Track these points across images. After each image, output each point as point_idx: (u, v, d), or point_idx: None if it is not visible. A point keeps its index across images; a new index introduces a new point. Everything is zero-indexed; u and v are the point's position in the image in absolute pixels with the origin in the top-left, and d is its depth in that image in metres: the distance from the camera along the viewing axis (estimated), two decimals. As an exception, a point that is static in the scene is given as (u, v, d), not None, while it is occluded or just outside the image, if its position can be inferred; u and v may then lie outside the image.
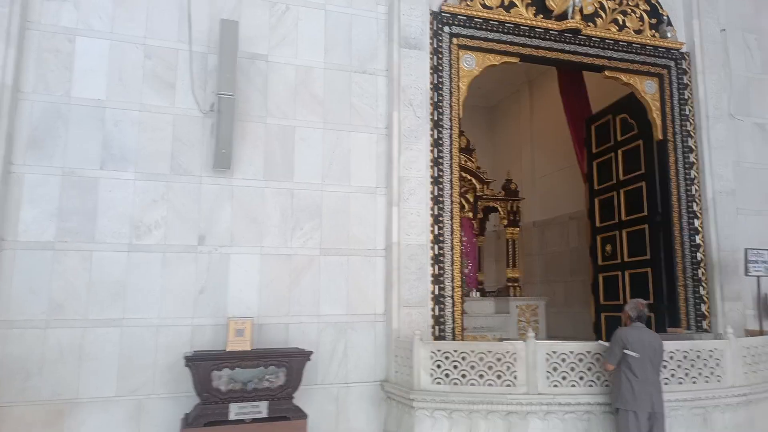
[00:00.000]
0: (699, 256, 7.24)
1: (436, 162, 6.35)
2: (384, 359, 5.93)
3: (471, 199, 10.94)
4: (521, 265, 12.78)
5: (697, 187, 7.38)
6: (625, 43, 7.37)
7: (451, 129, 6.49)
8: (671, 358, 5.17)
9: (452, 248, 6.31)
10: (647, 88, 7.54)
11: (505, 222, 11.24)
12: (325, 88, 6.12)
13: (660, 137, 7.51)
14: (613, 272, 8.42)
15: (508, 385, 5.05)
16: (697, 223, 7.32)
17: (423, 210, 6.09)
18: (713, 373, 5.25)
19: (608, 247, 8.57)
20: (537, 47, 7.00)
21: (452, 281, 6.26)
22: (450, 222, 6.35)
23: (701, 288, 7.18)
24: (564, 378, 5.05)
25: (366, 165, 6.17)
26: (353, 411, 5.78)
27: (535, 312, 10.36)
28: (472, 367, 5.12)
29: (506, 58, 6.92)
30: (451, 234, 6.33)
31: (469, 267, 11.87)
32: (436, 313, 6.11)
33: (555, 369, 5.06)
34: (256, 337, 5.49)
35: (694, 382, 5.17)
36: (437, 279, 6.17)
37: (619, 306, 8.13)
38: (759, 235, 7.59)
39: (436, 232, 6.23)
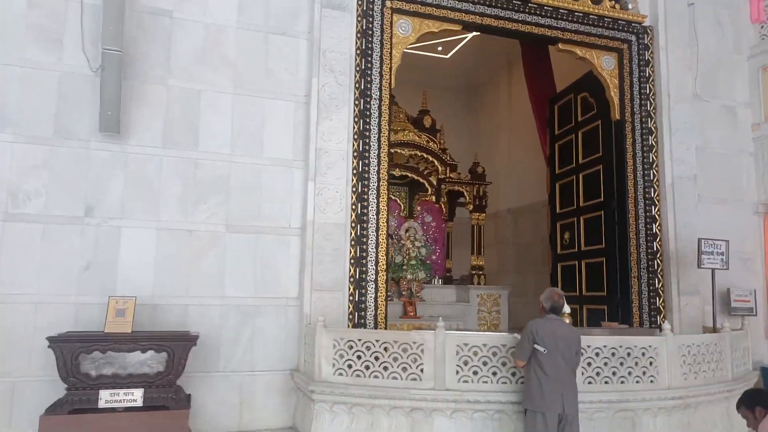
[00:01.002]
0: (655, 245, 6.70)
1: (362, 134, 5.81)
2: (296, 347, 5.44)
3: (434, 182, 10.41)
4: (493, 253, 12.29)
5: (655, 172, 6.83)
6: (581, 14, 6.79)
7: (380, 99, 5.96)
8: (597, 354, 4.65)
9: (377, 229, 5.79)
10: (605, 64, 6.97)
11: (471, 207, 10.71)
12: (237, 49, 5.59)
13: (617, 117, 6.95)
14: (570, 261, 7.89)
15: (414, 379, 4.54)
16: (654, 210, 6.77)
17: (342, 186, 5.56)
18: (645, 372, 4.73)
19: (567, 235, 8.03)
20: (482, 14, 6.43)
21: (376, 264, 5.75)
22: (376, 200, 5.82)
23: (657, 280, 6.65)
24: (475, 373, 4.54)
25: (282, 135, 5.64)
26: (259, 401, 5.30)
27: (497, 302, 9.86)
28: (377, 358, 4.62)
29: (446, 25, 6.36)
30: (377, 213, 5.81)
31: (437, 253, 11.42)
32: (356, 298, 5.60)
33: (466, 363, 4.55)
34: (150, 319, 5.02)
35: (622, 382, 4.65)
36: (358, 261, 5.65)
37: (576, 298, 7.64)
38: (721, 224, 7.04)
39: (358, 210, 5.71)
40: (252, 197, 5.48)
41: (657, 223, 6.74)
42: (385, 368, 4.59)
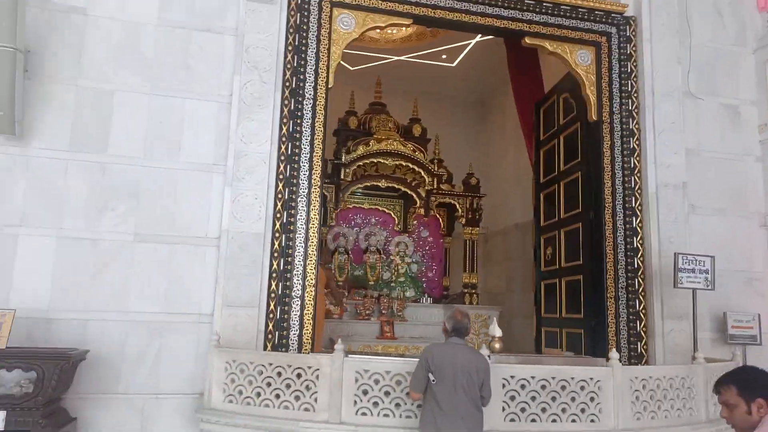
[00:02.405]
0: (636, 262, 5.88)
1: (291, 137, 5.34)
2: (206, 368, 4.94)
3: (423, 195, 9.81)
4: (501, 271, 11.49)
5: (637, 179, 6.03)
6: (551, 4, 6.13)
7: (315, 99, 5.47)
8: (523, 387, 3.94)
9: (306, 239, 5.27)
10: (580, 59, 6.26)
11: (463, 221, 10.04)
12: (156, 47, 5.24)
13: (594, 118, 6.21)
14: (552, 280, 7.11)
15: (307, 410, 3.97)
16: (635, 222, 5.96)
17: (262, 192, 5.08)
18: (584, 410, 3.98)
19: (549, 251, 7.26)
20: (434, 6, 5.87)
21: (303, 279, 5.22)
22: (306, 209, 5.31)
23: (638, 302, 5.81)
24: (375, 405, 3.92)
25: (203, 138, 5.23)
26: (163, 427, 4.81)
27: (485, 323, 9.08)
28: (269, 384, 4.07)
29: (394, 19, 5.84)
30: (307, 222, 5.30)
31: (434, 270, 10.76)
32: (277, 316, 5.07)
33: (365, 392, 3.94)
34: (45, 334, 4.65)
35: (553, 421, 3.91)
36: (282, 276, 5.14)
37: (556, 321, 6.87)
38: (719, 239, 6.14)
39: (284, 219, 5.22)
40: (166, 205, 5.08)
41: (638, 237, 5.92)
42: (277, 396, 4.03)
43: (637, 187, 6.01)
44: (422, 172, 9.49)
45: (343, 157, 9.16)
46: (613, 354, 4.10)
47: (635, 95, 6.17)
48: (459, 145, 11.62)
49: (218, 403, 4.16)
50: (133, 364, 4.83)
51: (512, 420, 3.86)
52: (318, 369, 3.99)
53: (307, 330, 5.16)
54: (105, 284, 4.86)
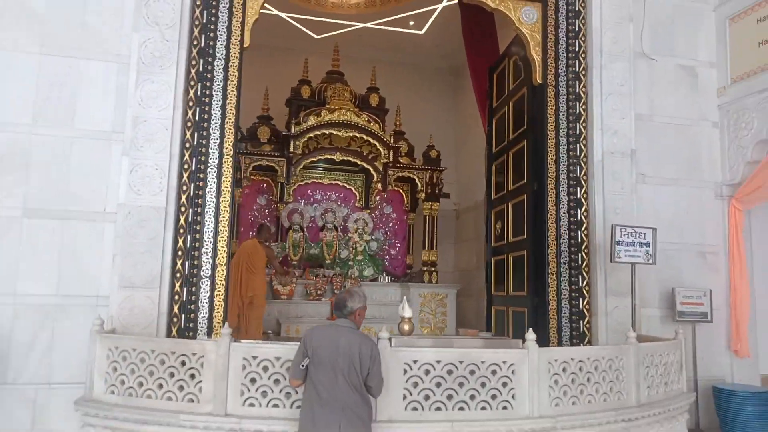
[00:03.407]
0: (580, 235, 5.50)
1: (199, 101, 4.89)
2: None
3: (380, 168, 9.36)
4: (470, 249, 11.11)
5: (582, 146, 5.62)
6: (492, -45, 5.64)
7: (227, 60, 5.01)
8: (427, 373, 3.56)
9: (217, 215, 4.86)
10: (524, 17, 5.78)
11: (422, 196, 9.62)
12: (48, 1, 4.74)
13: (538, 81, 5.76)
14: (501, 256, 6.73)
15: (191, 401, 3.59)
16: (580, 192, 5.57)
17: (163, 162, 4.64)
18: (496, 397, 3.62)
19: (498, 225, 6.87)
20: (362, -42, 5.38)
21: (214, 257, 4.81)
22: (217, 180, 4.89)
23: (581, 278, 5.45)
24: (264, 395, 3.55)
25: (100, 102, 4.76)
26: (57, 419, 4.43)
27: (443, 302, 8.76)
28: (151, 374, 3.68)
29: (317, -28, 5.34)
30: (218, 196, 4.87)
31: (397, 248, 10.37)
32: (183, 297, 4.68)
33: (253, 381, 3.56)
34: None
35: (460, 409, 3.55)
36: (189, 253, 4.74)
37: (503, 299, 6.51)
38: (672, 210, 5.78)
39: (190, 192, 4.80)
40: (59, 177, 4.63)
41: (583, 208, 5.53)
42: (160, 386, 3.65)
43: (582, 155, 5.60)
44: (378, 144, 9.04)
45: (293, 129, 8.69)
46: (529, 335, 3.72)
47: (582, 56, 5.73)
48: (429, 117, 11.13)
49: (100, 395, 3.77)
50: (23, 351, 4.44)
51: (414, 409, 3.50)
52: (203, 356, 3.60)
53: (218, 312, 4.78)
54: (-10, 264, 4.44)
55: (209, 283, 4.77)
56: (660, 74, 5.98)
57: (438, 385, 3.54)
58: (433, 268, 9.43)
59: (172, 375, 3.63)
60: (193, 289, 4.72)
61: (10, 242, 4.50)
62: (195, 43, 4.91)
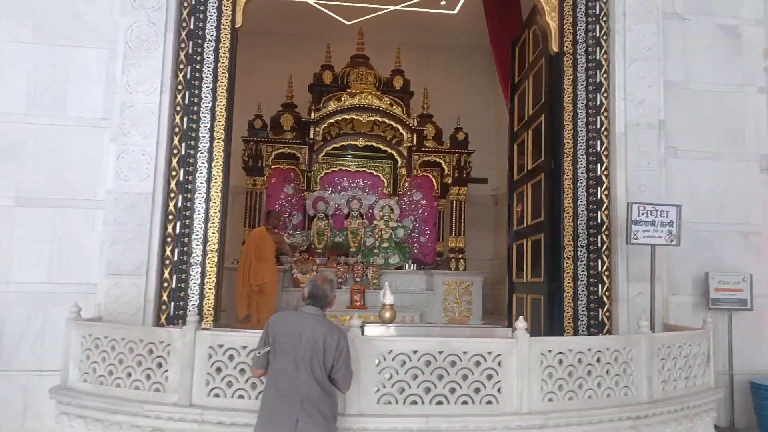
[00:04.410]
0: (600, 216, 5.03)
1: (189, 84, 4.76)
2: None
3: (405, 153, 9.06)
4: (504, 235, 10.62)
5: (603, 119, 5.12)
6: None
7: (218, 41, 4.86)
8: (403, 364, 3.28)
9: (208, 200, 4.73)
10: (535, -20, 5.33)
11: (449, 180, 9.25)
12: (40, -10, 4.73)
13: (555, 49, 5.30)
14: (521, 240, 6.31)
15: (158, 390, 3.46)
16: (600, 169, 5.09)
17: (150, 147, 4.54)
18: (479, 391, 3.29)
19: (519, 208, 6.44)
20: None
21: (204, 244, 4.69)
22: (207, 166, 4.76)
23: (600, 263, 4.99)
24: (230, 385, 3.37)
25: (92, 90, 4.71)
26: (48, 406, 4.32)
27: (468, 290, 8.39)
28: (121, 362, 3.58)
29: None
30: (208, 181, 4.74)
31: (427, 235, 10.05)
32: (173, 284, 4.59)
33: (219, 371, 3.39)
34: None
35: (439, 403, 3.25)
36: (178, 240, 4.63)
37: (523, 285, 6.12)
38: (709, 187, 5.20)
39: (180, 177, 4.69)
40: (53, 164, 4.62)
41: (603, 187, 5.05)
42: (129, 374, 3.54)
43: (603, 128, 5.11)
44: (400, 128, 8.72)
45: (312, 114, 8.52)
46: (519, 323, 3.35)
47: (604, 19, 5.22)
48: (465, 99, 10.70)
49: (74, 382, 3.71)
50: (16, 338, 4.48)
51: (388, 402, 3.22)
52: (170, 344, 3.46)
53: (209, 300, 4.65)
54: (-16, 253, 4.49)
55: (199, 270, 4.66)
56: (695, 36, 5.39)
57: (415, 377, 3.25)
58: (460, 255, 9.06)
59: (140, 363, 3.52)
60: (183, 276, 4.61)
61: (3, 231, 4.54)
62: (184, 25, 4.78)
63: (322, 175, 9.68)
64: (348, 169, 9.87)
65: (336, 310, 7.65)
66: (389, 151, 9.07)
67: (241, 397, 3.33)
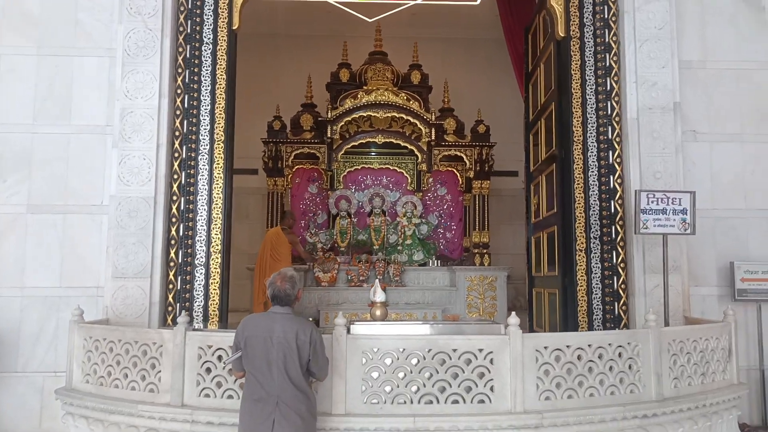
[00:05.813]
0: (613, 206, 4.82)
1: (188, 88, 4.80)
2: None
3: (424, 148, 8.93)
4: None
5: (614, 104, 4.90)
6: None
7: (215, 44, 4.87)
8: (390, 363, 3.20)
9: (210, 201, 4.75)
10: (541, -38, 5.14)
11: (472, 174, 9.06)
12: (42, 3, 4.85)
13: (561, 34, 5.10)
14: (538, 233, 6.12)
15: (152, 391, 3.49)
16: (612, 157, 4.87)
17: (151, 152, 4.60)
18: (470, 390, 3.17)
19: (535, 200, 6.25)
20: None
21: (208, 245, 4.72)
22: (208, 167, 4.79)
23: (614, 254, 4.77)
24: (219, 385, 3.36)
25: (94, 97, 4.81)
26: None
27: (492, 286, 8.20)
28: (118, 363, 3.63)
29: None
30: (210, 184, 4.77)
31: (453, 230, 9.89)
32: (178, 286, 4.63)
33: (209, 371, 3.39)
34: (-63, 313, 4.53)
35: (429, 402, 3.15)
36: (182, 242, 4.68)
37: (540, 279, 5.94)
38: (734, 172, 4.90)
39: (182, 180, 4.73)
40: (59, 172, 4.75)
41: (616, 175, 4.83)
42: (126, 375, 3.59)
43: (614, 113, 4.89)
44: (418, 123, 8.60)
45: (329, 113, 8.50)
46: (512, 319, 3.22)
47: (612, 1, 4.98)
48: (488, 92, 10.46)
49: (77, 383, 3.80)
50: (32, 341, 4.61)
51: (375, 402, 3.15)
52: (162, 345, 3.49)
53: (214, 301, 4.68)
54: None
55: (204, 271, 4.69)
56: (713, 12, 5.09)
57: (402, 376, 3.16)
58: (485, 250, 8.86)
59: (135, 365, 3.56)
60: (188, 278, 4.66)
61: (17, 238, 4.68)
62: (181, 29, 4.82)
63: (345, 173, 9.63)
64: (371, 166, 9.79)
65: (357, 308, 7.60)
66: (409, 147, 8.96)
67: (230, 397, 3.32)
